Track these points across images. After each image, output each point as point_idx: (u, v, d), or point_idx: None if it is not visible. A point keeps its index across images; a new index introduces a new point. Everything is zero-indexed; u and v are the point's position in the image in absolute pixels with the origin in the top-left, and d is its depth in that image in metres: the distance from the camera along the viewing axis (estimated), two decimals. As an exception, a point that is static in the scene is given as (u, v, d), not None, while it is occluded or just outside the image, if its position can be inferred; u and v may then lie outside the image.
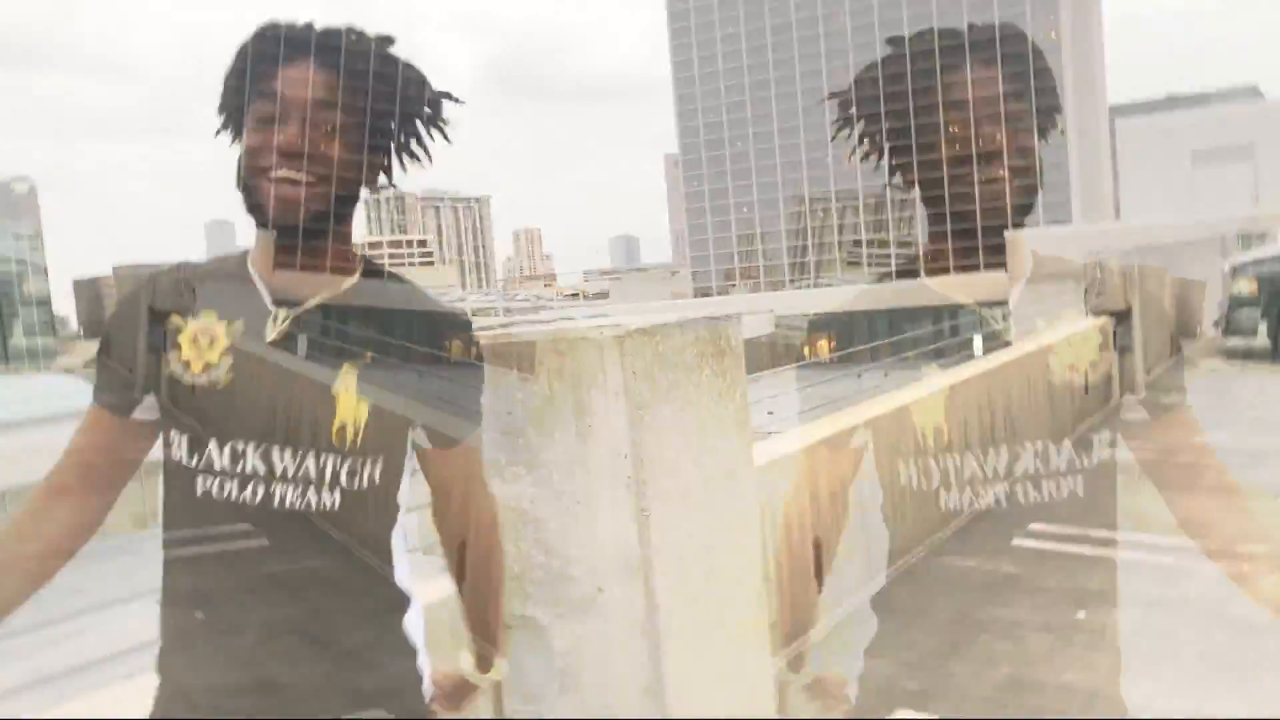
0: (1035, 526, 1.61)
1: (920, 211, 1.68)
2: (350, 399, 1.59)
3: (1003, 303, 1.64)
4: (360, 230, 1.70)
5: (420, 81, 1.65)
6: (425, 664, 1.72)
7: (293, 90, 1.56)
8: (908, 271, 1.71)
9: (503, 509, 1.13)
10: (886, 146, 1.66)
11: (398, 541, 1.65)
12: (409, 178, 1.71)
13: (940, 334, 1.66)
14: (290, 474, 1.58)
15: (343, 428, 1.58)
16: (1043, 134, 1.62)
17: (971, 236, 1.59)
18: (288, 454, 1.58)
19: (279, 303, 1.64)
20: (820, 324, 1.71)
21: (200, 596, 1.64)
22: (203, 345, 1.60)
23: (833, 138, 1.70)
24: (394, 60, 1.62)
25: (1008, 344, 1.63)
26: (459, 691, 1.76)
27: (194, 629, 1.65)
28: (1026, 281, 1.66)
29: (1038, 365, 1.61)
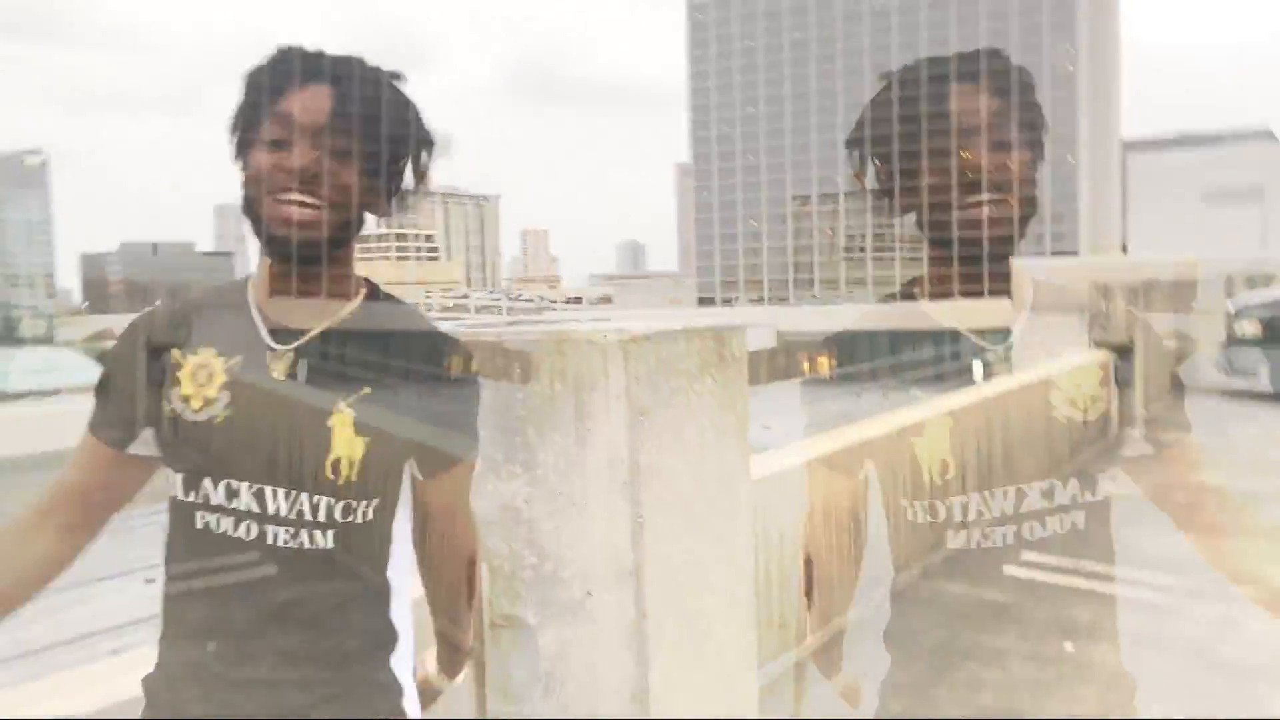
0: (1029, 557, 1.61)
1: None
2: (347, 432, 1.57)
3: (1004, 331, 1.64)
4: (367, 222, 1.69)
5: (418, 119, 1.66)
6: (409, 659, 1.72)
7: (308, 113, 1.55)
8: (908, 295, 1.72)
9: (496, 507, 1.12)
10: (892, 179, 1.67)
11: (396, 533, 1.64)
12: (421, 178, 1.71)
13: (941, 359, 1.66)
14: (283, 513, 1.56)
15: (337, 461, 1.57)
16: (1032, 156, 1.63)
17: (966, 263, 1.60)
18: (280, 491, 1.56)
19: (279, 332, 1.61)
20: (821, 341, 1.71)
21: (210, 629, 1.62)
22: (201, 380, 1.58)
23: (856, 178, 1.72)
24: (402, 92, 1.64)
25: (1007, 373, 1.63)
26: (425, 694, 1.76)
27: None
28: (1030, 310, 1.66)
29: (1038, 396, 1.60)
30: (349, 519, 1.58)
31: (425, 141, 1.68)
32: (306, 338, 1.61)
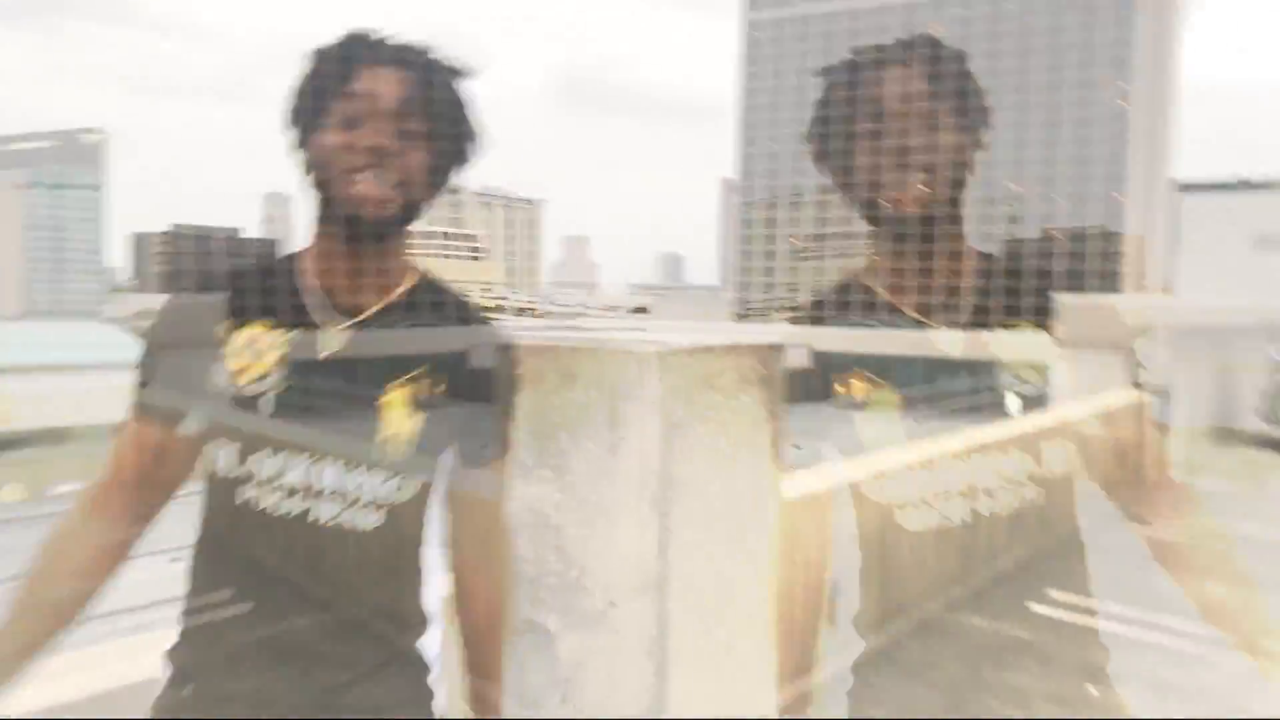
0: (1054, 594, 1.60)
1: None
2: (401, 410, 1.57)
3: (1043, 364, 1.63)
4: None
5: (474, 116, 1.69)
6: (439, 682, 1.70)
7: (382, 94, 1.57)
8: (848, 287, 1.73)
9: (525, 510, 1.13)
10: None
11: (428, 560, 1.64)
12: (465, 174, 1.74)
13: (977, 388, 1.65)
14: (331, 489, 1.56)
15: (387, 439, 1.57)
16: (965, 138, 1.62)
17: (900, 241, 1.59)
18: (329, 467, 1.57)
19: (327, 309, 1.63)
20: (857, 363, 1.70)
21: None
22: (253, 354, 1.59)
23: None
24: (464, 87, 1.66)
25: (1043, 406, 1.62)
26: None
27: None
28: (1073, 345, 1.64)
29: (1074, 432, 1.59)
30: (396, 498, 1.58)
31: (475, 138, 1.70)
32: (363, 316, 1.62)
